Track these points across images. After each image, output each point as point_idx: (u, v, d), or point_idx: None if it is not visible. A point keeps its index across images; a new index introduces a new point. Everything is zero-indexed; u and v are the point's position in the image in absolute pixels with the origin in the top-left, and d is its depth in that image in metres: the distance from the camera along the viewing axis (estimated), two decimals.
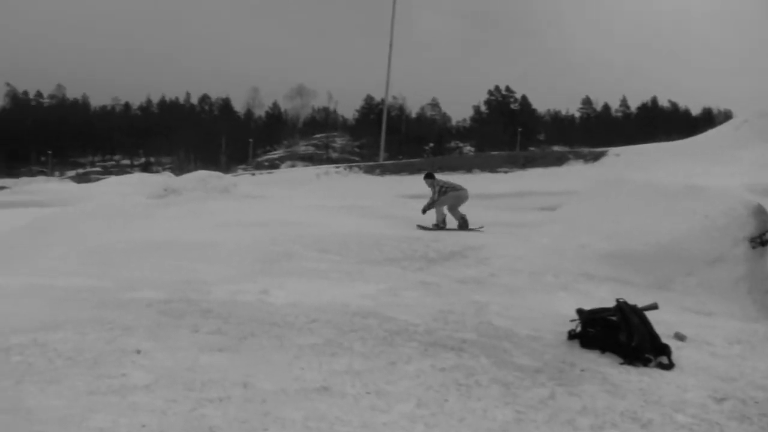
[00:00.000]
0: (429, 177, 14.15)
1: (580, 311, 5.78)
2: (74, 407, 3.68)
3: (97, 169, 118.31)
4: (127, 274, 7.53)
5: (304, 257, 9.02)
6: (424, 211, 13.67)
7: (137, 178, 39.47)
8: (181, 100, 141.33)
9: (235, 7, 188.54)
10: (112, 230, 11.63)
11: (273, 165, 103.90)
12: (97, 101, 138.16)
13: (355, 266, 8.55)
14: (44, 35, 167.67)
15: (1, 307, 6.05)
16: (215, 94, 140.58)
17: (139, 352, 4.58)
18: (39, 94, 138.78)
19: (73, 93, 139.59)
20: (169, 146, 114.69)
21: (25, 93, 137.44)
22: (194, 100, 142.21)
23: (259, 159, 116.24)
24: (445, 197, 13.54)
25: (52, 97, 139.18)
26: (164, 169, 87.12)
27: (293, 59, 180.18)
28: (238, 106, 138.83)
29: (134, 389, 3.92)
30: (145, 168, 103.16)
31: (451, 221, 13.41)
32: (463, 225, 13.31)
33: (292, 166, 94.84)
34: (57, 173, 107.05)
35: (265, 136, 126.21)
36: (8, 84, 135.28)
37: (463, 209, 13.41)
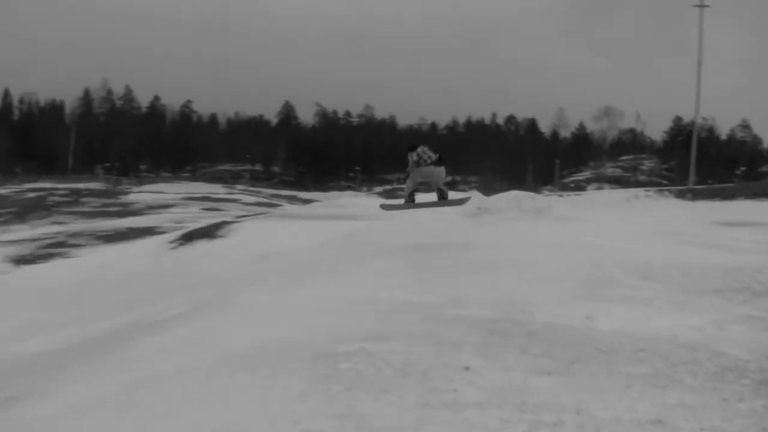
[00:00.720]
0: (412, 149, 13.25)
1: None
2: (406, 418, 3.86)
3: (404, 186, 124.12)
4: (448, 290, 7.80)
5: (625, 284, 8.82)
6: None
7: None
8: (487, 120, 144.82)
9: (543, 28, 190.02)
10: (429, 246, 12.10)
11: (579, 187, 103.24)
12: (404, 121, 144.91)
13: (679, 296, 8.23)
14: (348, 60, 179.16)
15: (327, 317, 6.52)
16: (521, 114, 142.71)
17: (467, 369, 4.71)
18: (348, 114, 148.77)
19: (381, 113, 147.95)
20: (476, 165, 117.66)
21: (335, 112, 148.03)
22: (500, 121, 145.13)
23: (565, 180, 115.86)
24: (415, 172, 12.92)
25: (360, 116, 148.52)
26: (471, 188, 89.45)
27: (600, 79, 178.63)
28: (544, 126, 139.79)
29: (466, 406, 4.04)
30: (451, 186, 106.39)
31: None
32: (441, 197, 12.84)
33: (599, 188, 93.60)
34: (364, 189, 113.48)
35: (571, 157, 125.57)
36: (318, 104, 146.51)
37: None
